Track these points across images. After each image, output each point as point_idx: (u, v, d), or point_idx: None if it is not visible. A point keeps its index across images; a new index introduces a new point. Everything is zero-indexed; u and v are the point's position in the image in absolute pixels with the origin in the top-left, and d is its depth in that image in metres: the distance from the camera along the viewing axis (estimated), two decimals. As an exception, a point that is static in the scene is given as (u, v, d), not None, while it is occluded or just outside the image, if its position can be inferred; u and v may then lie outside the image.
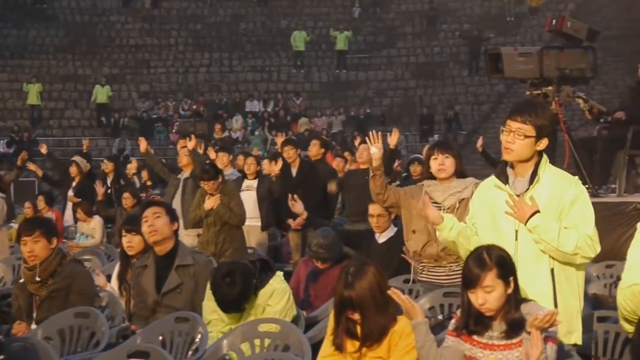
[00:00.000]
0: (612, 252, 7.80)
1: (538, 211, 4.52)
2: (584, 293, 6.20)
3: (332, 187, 10.96)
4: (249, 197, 10.88)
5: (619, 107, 9.81)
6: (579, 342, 4.68)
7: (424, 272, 6.48)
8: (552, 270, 4.58)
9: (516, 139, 4.60)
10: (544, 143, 4.64)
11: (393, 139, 8.53)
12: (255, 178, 11.13)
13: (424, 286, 6.46)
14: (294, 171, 11.04)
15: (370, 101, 31.49)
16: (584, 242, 4.52)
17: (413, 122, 29.96)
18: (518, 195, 4.62)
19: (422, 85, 32.34)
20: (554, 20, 9.42)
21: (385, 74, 33.05)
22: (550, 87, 9.10)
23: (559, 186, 4.62)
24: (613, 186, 9.80)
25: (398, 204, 6.58)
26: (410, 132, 29.36)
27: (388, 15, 35.96)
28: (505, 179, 4.71)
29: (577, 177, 4.76)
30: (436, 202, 6.28)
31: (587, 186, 9.09)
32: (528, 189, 4.63)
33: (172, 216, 6.17)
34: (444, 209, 6.22)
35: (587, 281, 6.84)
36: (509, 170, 4.72)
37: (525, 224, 4.55)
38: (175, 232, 6.17)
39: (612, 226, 8.30)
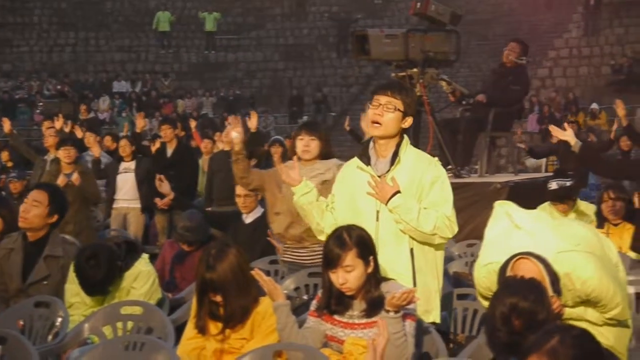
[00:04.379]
0: (474, 232, 7.98)
1: (399, 191, 4.59)
2: (445, 272, 6.37)
3: None
4: (127, 179, 10.76)
5: (481, 90, 10.01)
6: (437, 320, 4.77)
7: (287, 253, 6.51)
8: (411, 250, 4.66)
9: (386, 112, 4.66)
10: (408, 122, 4.72)
11: (252, 121, 8.51)
12: (132, 159, 10.96)
13: (288, 266, 6.49)
14: (169, 151, 10.98)
15: (240, 82, 31.38)
16: (442, 222, 4.62)
17: (282, 103, 30.02)
18: (380, 176, 4.68)
19: (291, 67, 32.39)
20: (419, 4, 9.52)
21: (254, 55, 32.98)
22: (415, 70, 9.21)
23: (419, 167, 4.70)
24: (476, 167, 10.01)
25: (262, 186, 6.57)
26: (279, 114, 29.41)
27: (258, -4, 35.86)
28: (367, 160, 4.76)
29: (436, 159, 4.84)
30: None
31: (450, 167, 9.29)
32: (389, 169, 4.69)
33: (54, 208, 5.95)
34: None
35: (449, 260, 7.01)
36: (371, 152, 4.78)
37: (386, 204, 4.61)
38: (54, 224, 5.99)
39: (473, 206, 8.49)
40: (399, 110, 4.66)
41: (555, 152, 13.59)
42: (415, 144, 9.35)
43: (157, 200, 10.12)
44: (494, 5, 31.73)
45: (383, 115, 4.66)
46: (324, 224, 4.85)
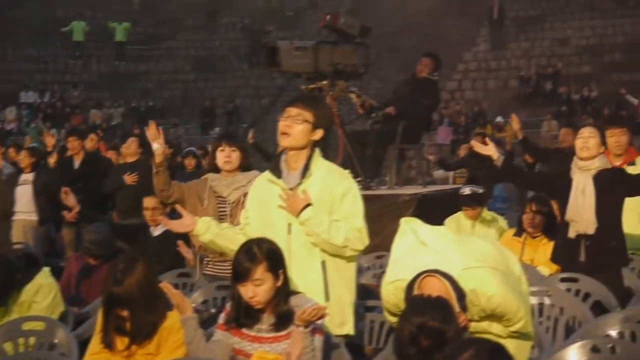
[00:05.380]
0: (383, 243, 8.00)
1: (310, 204, 4.59)
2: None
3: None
4: (25, 191, 10.56)
5: (391, 101, 10.08)
6: (352, 332, 4.77)
7: (209, 266, 6.45)
8: (323, 263, 4.65)
9: (295, 123, 4.66)
10: (319, 134, 4.72)
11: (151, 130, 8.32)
12: (31, 171, 10.77)
13: (209, 279, 6.41)
14: (76, 163, 10.83)
15: (151, 93, 31.13)
16: (353, 235, 4.62)
17: (194, 115, 29.86)
18: (291, 189, 4.67)
19: (202, 78, 32.29)
20: (328, 16, 9.58)
21: (165, 66, 32.77)
22: (325, 82, 9.26)
23: (330, 179, 4.70)
24: (385, 179, 10.07)
25: (183, 199, 6.49)
26: (190, 125, 29.26)
27: (169, 6, 35.63)
28: (278, 173, 4.75)
29: (347, 171, 4.85)
30: (221, 196, 6.28)
31: (359, 179, 9.33)
32: (301, 182, 4.68)
33: None
34: (228, 203, 6.23)
35: (357, 271, 7.02)
36: (283, 165, 4.77)
37: (297, 217, 4.61)
38: None
39: (382, 218, 8.50)
40: (307, 122, 4.67)
41: (465, 164, 13.79)
42: (325, 156, 9.47)
43: (65, 213, 9.96)
44: (404, 18, 32.06)
45: (292, 126, 4.67)
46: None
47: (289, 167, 4.76)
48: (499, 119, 24.54)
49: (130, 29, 32.32)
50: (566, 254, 6.42)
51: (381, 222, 8.39)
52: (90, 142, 11.89)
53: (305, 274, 4.61)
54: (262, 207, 4.79)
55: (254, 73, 31.68)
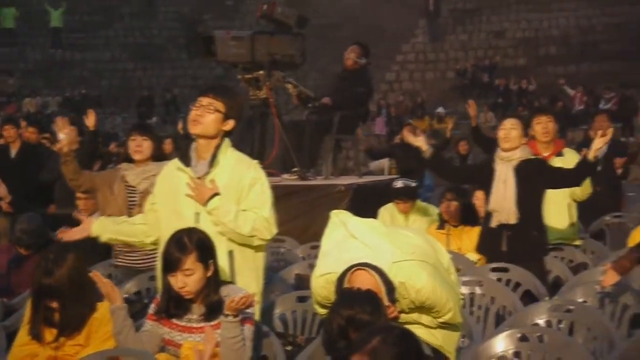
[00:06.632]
0: (318, 234, 8.00)
1: (218, 193, 4.60)
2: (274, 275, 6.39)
3: None
4: None
5: (327, 93, 10.09)
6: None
7: (119, 257, 6.46)
8: (230, 252, 4.67)
9: (206, 112, 4.68)
10: (230, 124, 4.73)
11: (90, 120, 8.22)
12: None
13: (121, 270, 6.43)
14: (13, 152, 10.68)
15: (87, 82, 30.77)
16: (260, 224, 4.65)
17: (131, 104, 29.62)
18: (199, 178, 4.67)
19: (140, 67, 32.01)
20: (265, 6, 9.55)
21: (102, 54, 32.42)
22: (261, 72, 9.24)
23: (238, 169, 4.72)
24: (322, 169, 10.08)
25: (94, 188, 6.50)
26: (128, 115, 29.01)
27: (105, -6, 35.29)
28: (187, 161, 4.76)
29: (256, 162, 4.87)
30: (131, 186, 6.31)
31: (296, 169, 9.34)
32: (209, 171, 4.69)
33: None
34: (138, 193, 6.25)
35: (290, 262, 7.05)
36: (192, 153, 4.78)
37: (205, 206, 4.62)
38: None
39: (318, 208, 8.51)
40: (219, 111, 4.69)
41: (391, 154, 13.90)
42: (262, 145, 9.45)
43: (2, 204, 9.82)
44: (344, 10, 32.12)
45: (203, 115, 4.69)
46: (140, 237, 4.83)
47: (199, 156, 4.76)
48: (440, 109, 24.74)
49: (66, 12, 31.86)
50: (489, 244, 6.50)
51: (316, 212, 8.41)
52: (29, 134, 11.72)
53: None
54: (170, 195, 4.79)
55: (192, 62, 31.47)
